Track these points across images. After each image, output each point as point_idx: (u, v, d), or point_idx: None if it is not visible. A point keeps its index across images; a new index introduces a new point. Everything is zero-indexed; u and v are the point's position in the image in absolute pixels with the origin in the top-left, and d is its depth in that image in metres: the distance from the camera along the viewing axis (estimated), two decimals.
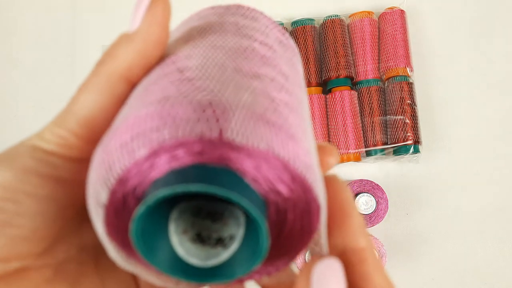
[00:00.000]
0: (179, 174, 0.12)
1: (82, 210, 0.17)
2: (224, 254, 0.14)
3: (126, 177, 0.13)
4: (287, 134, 0.13)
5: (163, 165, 0.13)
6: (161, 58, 0.17)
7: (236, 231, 0.14)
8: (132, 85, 0.17)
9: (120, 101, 0.16)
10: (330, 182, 0.16)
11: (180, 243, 0.14)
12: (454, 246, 0.62)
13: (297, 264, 0.53)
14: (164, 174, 0.13)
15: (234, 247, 0.14)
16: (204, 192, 0.12)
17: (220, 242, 0.14)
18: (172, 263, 0.14)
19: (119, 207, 0.14)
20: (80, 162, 0.16)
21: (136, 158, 0.13)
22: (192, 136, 0.12)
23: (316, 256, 0.14)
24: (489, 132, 0.65)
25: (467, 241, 0.62)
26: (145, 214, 0.13)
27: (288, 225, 0.14)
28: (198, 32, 0.18)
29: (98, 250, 0.18)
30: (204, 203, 0.15)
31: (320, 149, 0.19)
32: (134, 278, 0.19)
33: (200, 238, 0.14)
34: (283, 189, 0.14)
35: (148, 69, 0.17)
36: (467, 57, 0.67)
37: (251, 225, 0.14)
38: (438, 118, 0.66)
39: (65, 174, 0.16)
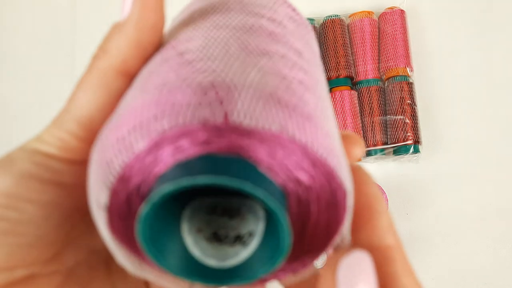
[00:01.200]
0: (186, 167, 0.11)
1: (89, 213, 0.16)
2: (244, 253, 0.13)
3: (127, 174, 0.12)
4: (302, 114, 0.12)
5: (167, 158, 0.12)
6: (160, 45, 0.16)
7: (255, 227, 0.13)
8: (130, 78, 0.16)
9: (119, 97, 0.15)
10: (354, 173, 0.14)
11: (195, 243, 0.13)
12: (454, 246, 0.62)
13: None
14: (169, 168, 0.12)
15: (254, 244, 0.13)
16: (214, 185, 0.11)
17: (239, 239, 0.13)
18: (186, 265, 0.13)
19: (123, 209, 0.13)
20: (82, 165, 0.15)
21: (136, 152, 0.12)
22: (194, 123, 0.11)
23: (342, 249, 0.13)
24: (489, 132, 0.65)
25: (467, 241, 0.62)
26: (151, 213, 0.11)
27: (312, 218, 0.13)
28: (199, 13, 0.16)
29: (108, 253, 0.17)
30: (218, 199, 0.14)
31: (344, 139, 0.17)
32: (146, 281, 0.19)
33: (217, 237, 0.13)
34: (303, 176, 0.12)
35: (145, 58, 0.16)
36: (467, 57, 0.67)
37: (271, 219, 0.13)
38: (438, 118, 0.65)
39: (67, 178, 0.15)
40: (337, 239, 0.13)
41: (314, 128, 0.12)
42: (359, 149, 0.17)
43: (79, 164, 0.15)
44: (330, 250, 0.13)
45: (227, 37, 0.14)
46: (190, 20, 0.16)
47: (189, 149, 0.11)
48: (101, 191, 0.12)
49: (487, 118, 0.65)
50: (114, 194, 0.12)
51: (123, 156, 0.12)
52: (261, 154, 0.12)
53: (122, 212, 0.13)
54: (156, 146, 0.11)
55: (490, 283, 0.61)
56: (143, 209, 0.11)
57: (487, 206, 0.63)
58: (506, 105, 0.66)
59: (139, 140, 0.11)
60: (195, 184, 0.11)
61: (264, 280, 0.14)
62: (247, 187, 0.11)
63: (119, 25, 0.15)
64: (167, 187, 0.11)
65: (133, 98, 0.13)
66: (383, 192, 0.62)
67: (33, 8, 0.72)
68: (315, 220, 0.13)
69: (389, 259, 0.13)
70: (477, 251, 0.62)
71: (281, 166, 0.12)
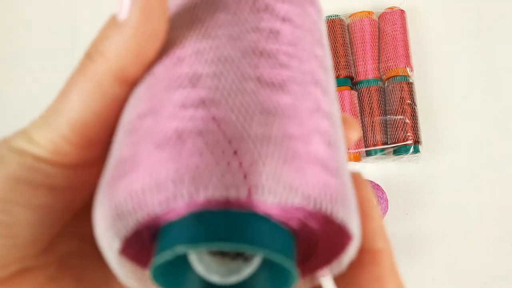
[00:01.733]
0: (198, 219, 0.11)
1: (80, 209, 0.16)
2: (246, 270, 0.13)
3: (139, 226, 0.12)
4: (323, 171, 0.12)
5: (180, 209, 0.12)
6: (164, 49, 0.15)
7: None
8: (129, 86, 0.14)
9: (116, 103, 0.14)
10: (353, 179, 0.15)
11: (199, 260, 0.13)
12: (454, 246, 0.62)
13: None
14: (182, 217, 0.12)
15: (256, 262, 0.13)
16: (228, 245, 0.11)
17: (241, 253, 0.13)
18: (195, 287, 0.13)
19: (133, 240, 0.13)
20: (74, 168, 0.15)
21: (150, 212, 0.11)
22: (215, 197, 0.11)
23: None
24: (489, 132, 0.65)
25: (467, 241, 0.62)
26: (164, 264, 0.12)
27: (318, 253, 0.14)
28: (205, 5, 0.15)
29: None
30: None
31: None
32: None
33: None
34: (315, 225, 0.13)
35: (147, 66, 0.14)
36: (467, 57, 0.67)
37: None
38: (438, 118, 0.65)
39: (59, 182, 0.15)
40: (335, 265, 0.14)
41: (333, 182, 0.12)
42: (355, 132, 0.17)
43: (71, 167, 0.15)
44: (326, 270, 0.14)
45: (243, 64, 0.13)
46: (194, 13, 0.15)
47: (203, 205, 0.12)
48: (112, 240, 0.12)
49: (487, 118, 0.65)
50: (126, 240, 0.13)
51: (137, 214, 0.12)
52: (276, 212, 0.12)
53: (131, 243, 0.13)
54: (170, 200, 0.11)
55: (490, 283, 0.61)
56: (155, 262, 0.11)
57: (487, 206, 0.63)
58: (506, 105, 0.66)
59: (155, 202, 0.11)
60: (211, 247, 0.11)
61: None
62: (264, 252, 0.11)
63: (116, 26, 0.14)
64: (182, 249, 0.11)
65: (146, 139, 0.12)
66: (383, 192, 0.62)
67: (33, 8, 0.72)
68: (319, 254, 0.14)
69: (375, 262, 0.14)
70: (477, 251, 0.62)
71: (295, 219, 0.12)
